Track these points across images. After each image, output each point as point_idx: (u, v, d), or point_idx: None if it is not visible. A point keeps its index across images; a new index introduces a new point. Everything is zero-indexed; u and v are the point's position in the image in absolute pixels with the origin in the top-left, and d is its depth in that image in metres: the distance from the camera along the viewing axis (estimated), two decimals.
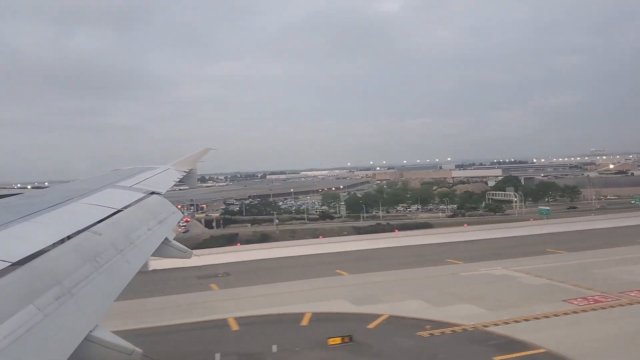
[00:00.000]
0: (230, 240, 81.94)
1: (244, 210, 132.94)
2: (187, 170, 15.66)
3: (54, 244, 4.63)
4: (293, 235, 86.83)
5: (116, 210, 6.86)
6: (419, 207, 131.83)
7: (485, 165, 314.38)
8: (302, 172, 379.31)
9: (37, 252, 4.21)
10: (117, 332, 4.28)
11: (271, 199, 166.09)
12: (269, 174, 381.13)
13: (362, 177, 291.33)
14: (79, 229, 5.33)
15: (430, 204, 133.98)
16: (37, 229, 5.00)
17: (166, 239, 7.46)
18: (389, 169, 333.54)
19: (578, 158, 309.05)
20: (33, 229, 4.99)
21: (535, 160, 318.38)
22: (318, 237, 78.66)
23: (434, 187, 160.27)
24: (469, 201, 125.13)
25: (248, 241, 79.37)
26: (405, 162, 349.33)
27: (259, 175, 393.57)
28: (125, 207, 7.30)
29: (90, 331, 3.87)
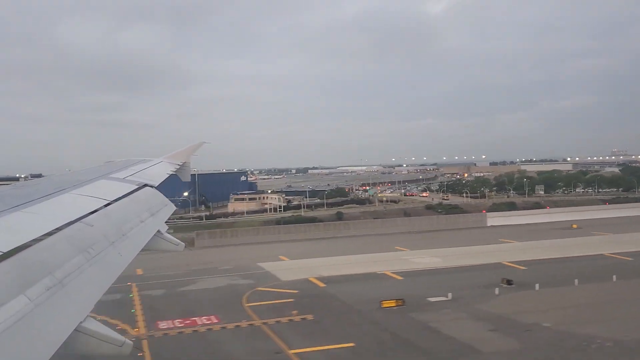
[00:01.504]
0: (510, 207, 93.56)
1: (444, 188, 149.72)
2: (181, 164, 15.64)
3: (46, 234, 4.62)
4: (557, 204, 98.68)
5: (109, 201, 6.85)
6: (586, 189, 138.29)
7: (515, 162, 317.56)
8: (339, 168, 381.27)
9: (29, 242, 4.20)
10: None
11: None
12: (310, 170, 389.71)
13: (409, 172, 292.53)
14: (71, 219, 5.31)
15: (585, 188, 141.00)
16: (29, 219, 4.99)
17: (158, 231, 7.46)
18: (421, 165, 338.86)
19: (613, 157, 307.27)
20: (25, 219, 4.97)
21: (569, 158, 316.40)
22: (579, 206, 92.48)
23: (554, 175, 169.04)
24: (634, 184, 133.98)
25: (524, 208, 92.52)
26: (444, 158, 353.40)
27: (294, 171, 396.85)
28: (118, 199, 7.29)
29: (81, 322, 3.87)
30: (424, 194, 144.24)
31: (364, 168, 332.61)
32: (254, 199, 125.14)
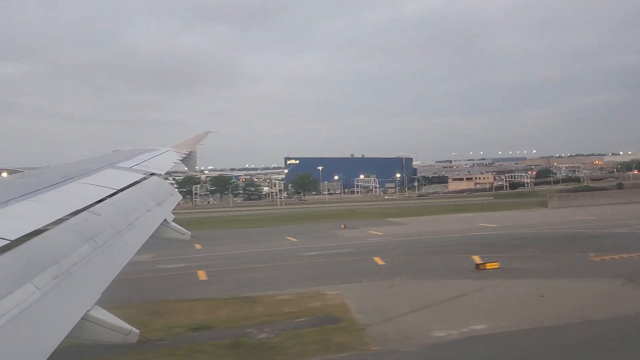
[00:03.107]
0: None
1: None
2: (187, 153, 15.60)
3: (53, 223, 4.62)
4: None
5: (115, 190, 6.84)
6: None
7: (563, 156, 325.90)
8: None
9: (35, 231, 4.20)
10: None
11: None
12: None
13: (471, 166, 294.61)
14: (78, 208, 5.31)
15: None
16: (36, 208, 4.99)
17: (165, 220, 7.47)
18: (469, 160, 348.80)
19: None
20: (31, 207, 4.97)
21: (621, 152, 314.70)
22: None
23: None
24: None
25: None
26: (500, 153, 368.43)
27: None
28: (125, 188, 7.29)
29: (88, 311, 3.88)
30: (636, 172, 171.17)
31: (417, 162, 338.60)
32: (470, 178, 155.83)
